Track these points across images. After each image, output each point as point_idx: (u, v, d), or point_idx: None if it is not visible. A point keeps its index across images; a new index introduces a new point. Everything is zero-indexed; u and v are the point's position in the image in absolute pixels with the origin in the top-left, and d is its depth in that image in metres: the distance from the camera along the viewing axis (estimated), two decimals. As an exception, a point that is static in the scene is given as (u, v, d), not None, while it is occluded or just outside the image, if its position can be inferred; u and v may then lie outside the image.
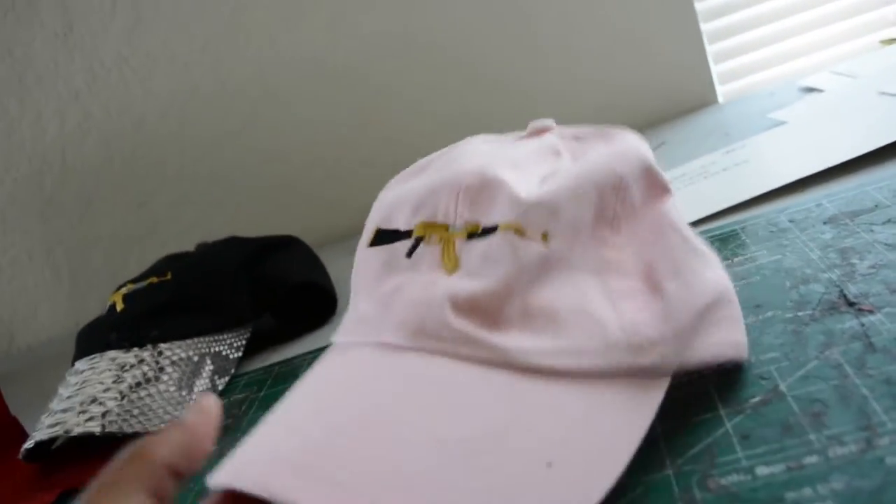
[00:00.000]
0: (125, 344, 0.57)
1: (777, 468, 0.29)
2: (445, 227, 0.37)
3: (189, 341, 0.58)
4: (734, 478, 0.30)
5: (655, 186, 0.38)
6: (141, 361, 0.56)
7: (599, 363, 0.31)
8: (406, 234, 0.38)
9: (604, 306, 0.33)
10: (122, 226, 0.92)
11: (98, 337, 0.59)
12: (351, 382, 0.33)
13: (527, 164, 0.39)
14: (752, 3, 0.85)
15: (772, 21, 0.86)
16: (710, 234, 0.52)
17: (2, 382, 0.66)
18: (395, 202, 0.40)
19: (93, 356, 0.58)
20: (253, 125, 0.88)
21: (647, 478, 0.31)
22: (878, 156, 0.54)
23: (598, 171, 0.37)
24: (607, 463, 0.28)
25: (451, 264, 0.36)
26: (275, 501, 0.25)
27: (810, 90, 0.74)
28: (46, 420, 0.53)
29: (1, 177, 0.91)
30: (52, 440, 0.54)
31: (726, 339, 0.35)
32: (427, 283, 0.35)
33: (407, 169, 0.44)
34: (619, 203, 0.36)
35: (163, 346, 0.57)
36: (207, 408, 0.29)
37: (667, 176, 0.40)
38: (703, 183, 0.61)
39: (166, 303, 0.60)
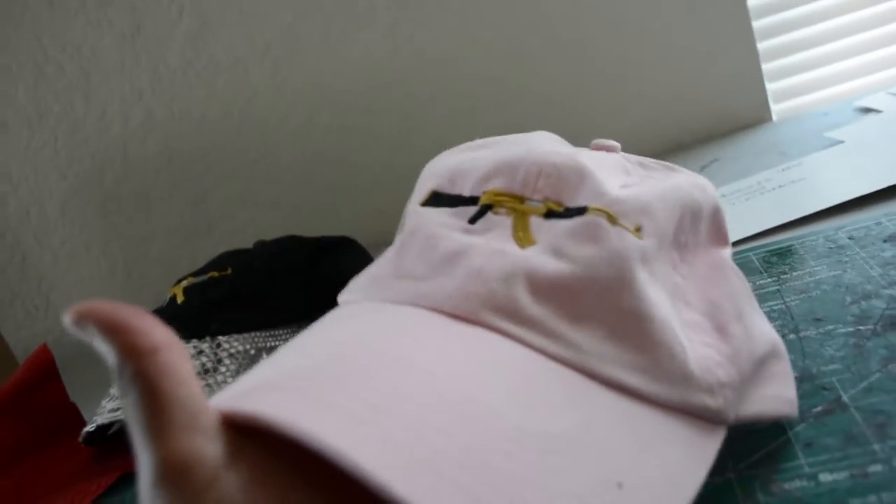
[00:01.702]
0: (185, 335, 0.59)
1: (841, 475, 0.30)
2: (521, 199, 0.33)
3: (246, 335, 0.60)
4: (798, 483, 0.30)
5: (720, 232, 0.37)
6: (200, 353, 0.58)
7: (673, 394, 0.29)
8: (470, 201, 0.34)
9: (683, 332, 0.30)
10: (179, 223, 0.95)
11: (159, 327, 0.61)
12: (398, 338, 0.27)
13: (604, 169, 0.35)
14: (808, 23, 0.85)
15: (827, 42, 0.86)
16: (767, 249, 0.52)
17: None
18: (458, 168, 0.36)
19: (153, 346, 0.59)
20: (309, 129, 0.90)
21: (709, 481, 0.32)
22: (940, 177, 0.54)
23: (682, 193, 0.34)
24: (675, 498, 0.25)
25: (525, 239, 0.31)
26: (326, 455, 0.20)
27: (867, 111, 0.74)
28: (108, 405, 0.55)
29: (63, 171, 0.94)
30: (110, 425, 0.56)
31: (781, 395, 0.32)
32: (497, 252, 0.30)
33: (461, 145, 0.40)
34: (691, 232, 0.34)
35: (221, 338, 0.59)
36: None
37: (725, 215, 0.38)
38: (759, 198, 0.61)
39: (226, 297, 0.61)
